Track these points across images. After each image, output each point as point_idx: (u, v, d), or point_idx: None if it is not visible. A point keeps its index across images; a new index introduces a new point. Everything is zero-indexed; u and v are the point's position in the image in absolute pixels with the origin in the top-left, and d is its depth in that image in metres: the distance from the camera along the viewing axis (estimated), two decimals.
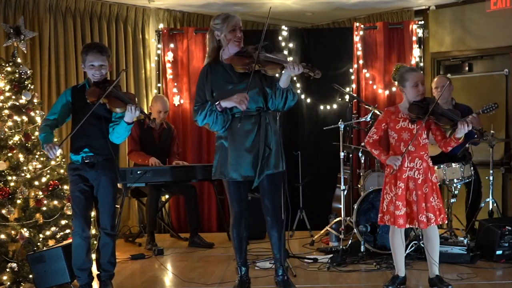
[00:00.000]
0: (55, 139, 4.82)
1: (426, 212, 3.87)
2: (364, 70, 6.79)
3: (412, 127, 3.89)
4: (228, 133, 3.82)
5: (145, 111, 6.50)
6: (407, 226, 3.97)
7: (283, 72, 3.70)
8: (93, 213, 4.10)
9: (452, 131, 3.88)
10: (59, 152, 3.85)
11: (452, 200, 5.13)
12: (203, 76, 3.86)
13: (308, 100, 6.98)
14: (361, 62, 6.79)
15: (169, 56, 6.72)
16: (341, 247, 5.05)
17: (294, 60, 3.77)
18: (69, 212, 4.64)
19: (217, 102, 3.73)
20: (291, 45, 6.89)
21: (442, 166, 4.92)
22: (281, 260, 3.93)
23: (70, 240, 4.37)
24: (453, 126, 3.84)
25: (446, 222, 4.22)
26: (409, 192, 3.91)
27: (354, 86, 6.78)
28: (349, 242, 5.13)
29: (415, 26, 6.72)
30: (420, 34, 6.74)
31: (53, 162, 4.76)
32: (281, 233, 3.91)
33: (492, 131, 5.52)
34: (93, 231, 4.47)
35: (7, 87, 4.72)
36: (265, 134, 3.79)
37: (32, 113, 4.76)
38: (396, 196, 3.91)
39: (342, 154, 5.50)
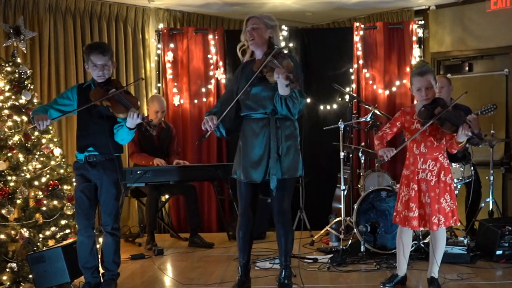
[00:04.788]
0: (55, 139, 4.85)
1: (438, 214, 3.85)
2: (364, 70, 6.78)
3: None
4: (241, 135, 3.89)
5: (144, 111, 6.55)
6: (421, 228, 3.96)
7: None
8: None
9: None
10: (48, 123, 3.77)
11: None
12: (236, 74, 3.98)
13: (308, 100, 6.97)
14: (361, 62, 6.78)
15: (169, 56, 6.71)
16: (341, 247, 5.05)
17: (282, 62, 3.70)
18: (69, 212, 4.64)
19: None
20: (291, 45, 6.88)
21: None
22: (284, 263, 3.92)
23: (70, 240, 4.39)
24: (455, 132, 3.81)
25: (459, 224, 4.18)
26: (423, 193, 3.89)
27: (354, 86, 6.77)
28: (349, 242, 5.13)
29: (415, 26, 6.71)
30: (420, 34, 6.73)
31: (52, 162, 4.76)
32: (287, 237, 3.90)
33: (492, 131, 5.52)
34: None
35: (7, 87, 4.71)
36: (275, 138, 3.77)
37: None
38: (409, 198, 3.90)
39: (342, 154, 5.50)
